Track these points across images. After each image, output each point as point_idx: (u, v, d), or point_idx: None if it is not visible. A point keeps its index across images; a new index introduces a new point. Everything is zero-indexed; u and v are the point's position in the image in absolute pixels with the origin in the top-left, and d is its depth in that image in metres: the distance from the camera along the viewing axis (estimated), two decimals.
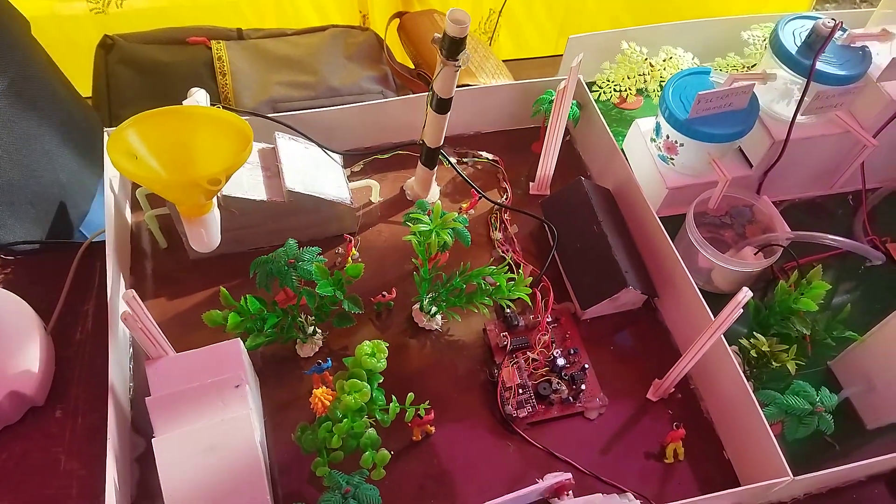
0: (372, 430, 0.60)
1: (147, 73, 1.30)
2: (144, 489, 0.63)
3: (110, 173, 0.76)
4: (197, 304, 0.75)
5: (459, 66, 0.67)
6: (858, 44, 0.80)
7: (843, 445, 0.73)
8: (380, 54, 1.34)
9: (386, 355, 0.61)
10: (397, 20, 1.45)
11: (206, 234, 0.61)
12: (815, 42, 0.77)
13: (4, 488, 0.64)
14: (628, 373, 0.75)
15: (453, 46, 0.65)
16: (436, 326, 0.76)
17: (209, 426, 0.57)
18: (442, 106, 0.72)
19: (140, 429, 0.66)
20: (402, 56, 1.44)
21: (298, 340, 0.72)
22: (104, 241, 0.71)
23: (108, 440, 0.57)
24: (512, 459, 0.69)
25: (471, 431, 0.70)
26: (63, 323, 0.74)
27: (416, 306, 0.77)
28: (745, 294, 0.57)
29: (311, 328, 0.72)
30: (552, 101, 0.86)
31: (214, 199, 0.62)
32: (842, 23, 0.77)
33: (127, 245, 0.79)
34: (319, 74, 1.34)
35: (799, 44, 0.79)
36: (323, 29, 1.39)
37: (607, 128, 0.85)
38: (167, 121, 0.57)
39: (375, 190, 0.85)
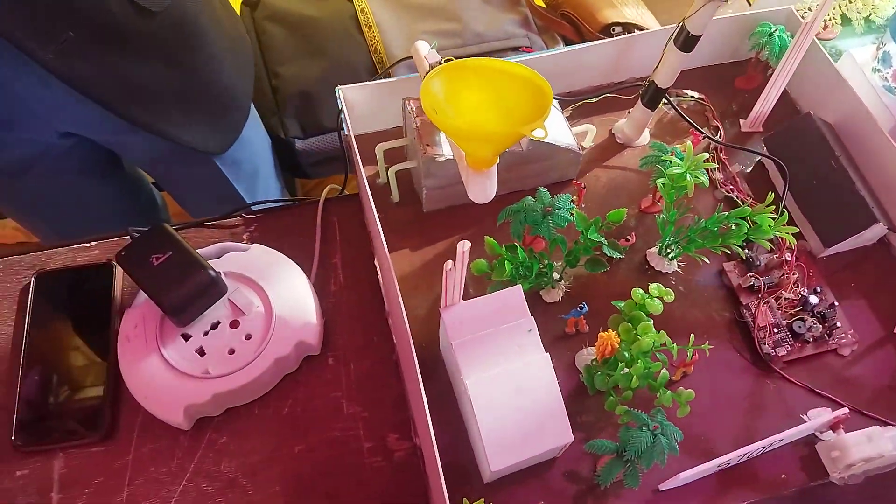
0: (665, 371, 0.61)
1: (296, 27, 1.30)
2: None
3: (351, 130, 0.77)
4: (438, 254, 0.77)
5: (725, 1, 0.65)
6: None
7: None
8: None
9: (672, 298, 0.62)
10: None
11: (490, 185, 0.62)
12: None
13: (296, 431, 0.68)
14: (871, 309, 0.75)
15: None
16: (674, 268, 0.76)
17: (515, 369, 0.59)
18: (689, 44, 0.71)
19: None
20: None
21: (546, 287, 0.74)
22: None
23: (419, 382, 0.59)
24: (773, 399, 0.69)
25: (726, 372, 0.71)
26: (318, 276, 0.77)
27: (653, 249, 0.77)
28: None
29: (558, 275, 0.74)
30: (771, 33, 0.84)
31: None
32: None
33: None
34: (462, 21, 1.33)
35: None
36: None
37: (830, 58, 0.82)
38: (467, 74, 0.58)
39: (591, 134, 0.84)
